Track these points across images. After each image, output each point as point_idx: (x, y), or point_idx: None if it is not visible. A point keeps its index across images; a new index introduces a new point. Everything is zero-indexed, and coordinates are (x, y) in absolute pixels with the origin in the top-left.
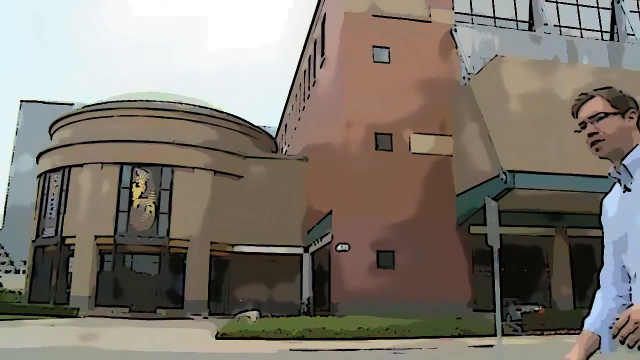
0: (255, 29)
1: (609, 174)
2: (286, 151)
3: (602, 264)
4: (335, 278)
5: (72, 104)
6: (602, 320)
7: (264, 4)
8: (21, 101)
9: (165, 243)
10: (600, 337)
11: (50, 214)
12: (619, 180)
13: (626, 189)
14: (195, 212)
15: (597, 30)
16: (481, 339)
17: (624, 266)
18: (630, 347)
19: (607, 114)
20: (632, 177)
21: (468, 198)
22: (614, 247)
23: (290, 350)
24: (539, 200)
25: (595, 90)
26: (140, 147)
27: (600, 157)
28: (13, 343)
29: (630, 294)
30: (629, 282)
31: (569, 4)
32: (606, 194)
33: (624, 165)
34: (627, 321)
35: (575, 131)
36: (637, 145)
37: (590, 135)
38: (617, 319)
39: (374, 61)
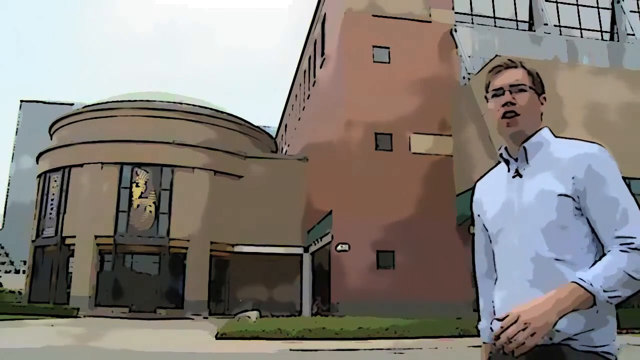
0: (256, 29)
1: (500, 154)
2: (286, 151)
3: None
4: (335, 278)
5: (72, 104)
6: (486, 327)
7: (264, 4)
8: (21, 101)
9: (165, 243)
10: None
11: (50, 214)
12: (507, 162)
13: (517, 174)
14: (195, 212)
15: (597, 30)
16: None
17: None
18: (516, 357)
19: (528, 88)
20: (527, 162)
21: (468, 198)
22: (491, 236)
23: (290, 350)
24: None
25: (519, 61)
26: (140, 147)
27: (503, 134)
28: (13, 343)
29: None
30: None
31: (569, 4)
32: (482, 176)
33: (524, 147)
34: (515, 321)
35: (485, 97)
36: (541, 129)
37: (505, 104)
38: (499, 319)
39: (374, 61)
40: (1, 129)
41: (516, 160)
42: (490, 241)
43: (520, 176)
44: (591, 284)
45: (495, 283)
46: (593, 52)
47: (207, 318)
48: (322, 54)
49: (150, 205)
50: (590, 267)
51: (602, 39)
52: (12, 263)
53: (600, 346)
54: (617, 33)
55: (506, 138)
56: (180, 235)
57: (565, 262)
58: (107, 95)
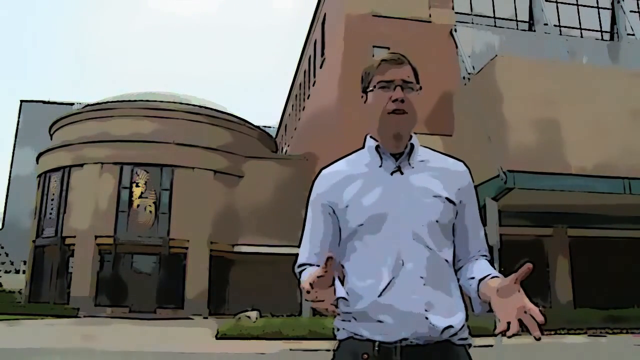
0: (255, 29)
1: (377, 147)
2: (286, 151)
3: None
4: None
5: (72, 104)
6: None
7: (264, 4)
8: (21, 101)
9: (165, 243)
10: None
11: (50, 214)
12: (380, 157)
13: (398, 171)
14: (195, 212)
15: (597, 30)
16: (481, 339)
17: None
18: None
19: (415, 86)
20: (409, 161)
21: None
22: (357, 226)
23: (290, 350)
24: (539, 200)
25: (406, 58)
26: (140, 147)
27: (386, 130)
28: (13, 343)
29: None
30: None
31: (569, 4)
32: (326, 166)
33: (412, 145)
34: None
35: (364, 87)
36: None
37: (396, 100)
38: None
39: None
40: (1, 129)
41: (396, 156)
42: (340, 229)
43: (402, 173)
44: None
45: (345, 268)
46: (593, 52)
47: (207, 318)
48: (322, 54)
49: (150, 205)
50: (472, 269)
51: (602, 39)
52: (12, 263)
53: (466, 338)
54: (617, 33)
55: (387, 134)
56: (180, 235)
57: (448, 263)
58: (107, 95)
